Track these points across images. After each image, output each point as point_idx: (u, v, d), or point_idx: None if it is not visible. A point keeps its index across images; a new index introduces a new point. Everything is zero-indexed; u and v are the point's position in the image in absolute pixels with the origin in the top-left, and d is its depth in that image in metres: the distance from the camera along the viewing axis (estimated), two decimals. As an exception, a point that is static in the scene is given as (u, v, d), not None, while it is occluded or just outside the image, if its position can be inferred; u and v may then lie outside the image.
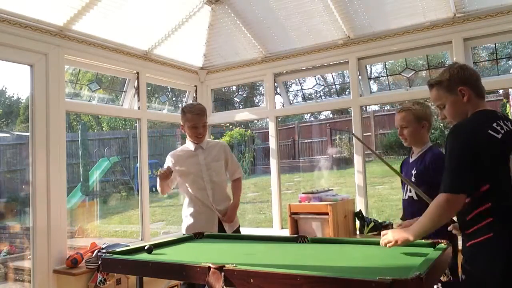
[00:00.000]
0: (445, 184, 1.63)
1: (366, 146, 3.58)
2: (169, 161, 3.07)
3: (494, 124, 1.64)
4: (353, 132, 3.85)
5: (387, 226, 3.55)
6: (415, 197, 2.37)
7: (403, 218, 2.50)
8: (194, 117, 2.96)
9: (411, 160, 2.53)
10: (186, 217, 3.07)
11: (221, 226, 3.01)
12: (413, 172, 2.41)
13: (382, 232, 1.92)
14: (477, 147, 1.60)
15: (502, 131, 1.63)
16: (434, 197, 1.98)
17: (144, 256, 2.11)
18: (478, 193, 1.62)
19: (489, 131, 1.62)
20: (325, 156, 12.61)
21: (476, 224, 1.62)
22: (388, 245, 1.83)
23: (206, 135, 3.13)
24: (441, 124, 11.48)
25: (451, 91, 1.78)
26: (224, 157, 3.09)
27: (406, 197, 2.47)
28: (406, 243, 1.79)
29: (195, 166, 3.01)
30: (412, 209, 2.40)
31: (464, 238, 1.69)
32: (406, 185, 2.45)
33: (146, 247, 2.20)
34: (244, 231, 3.18)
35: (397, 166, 2.51)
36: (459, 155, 1.62)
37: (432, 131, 11.60)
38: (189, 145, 3.08)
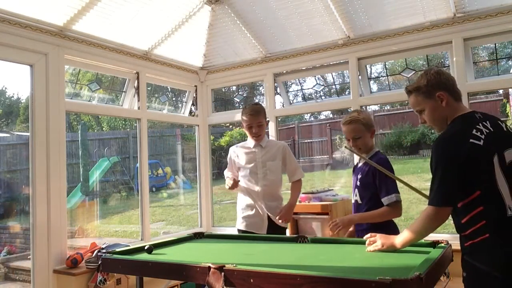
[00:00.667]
0: (432, 197, 1.69)
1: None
2: (231, 154, 3.25)
3: (474, 131, 1.67)
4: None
5: None
6: (359, 201, 2.48)
7: None
8: (249, 117, 3.07)
9: (359, 165, 2.61)
10: (239, 211, 3.18)
11: (270, 223, 3.05)
12: (359, 176, 2.49)
13: (371, 234, 2.00)
14: (462, 159, 1.63)
15: (483, 136, 1.66)
16: (376, 200, 2.35)
17: (144, 256, 2.12)
18: (469, 199, 1.65)
19: (471, 140, 1.64)
20: (326, 156, 12.62)
21: (471, 227, 1.65)
22: (375, 248, 1.92)
23: (265, 135, 3.22)
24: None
25: (430, 97, 1.81)
26: (282, 157, 3.13)
27: (353, 201, 2.56)
28: (391, 250, 1.88)
29: (251, 162, 3.11)
30: (356, 212, 2.53)
31: (462, 238, 1.71)
32: (354, 190, 2.55)
33: (146, 247, 2.20)
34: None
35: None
36: (444, 168, 1.66)
37: (432, 131, 11.62)
38: (249, 141, 3.19)
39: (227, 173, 3.28)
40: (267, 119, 3.28)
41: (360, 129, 2.49)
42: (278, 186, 3.16)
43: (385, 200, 2.35)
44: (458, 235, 1.74)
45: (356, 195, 2.51)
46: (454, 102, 1.79)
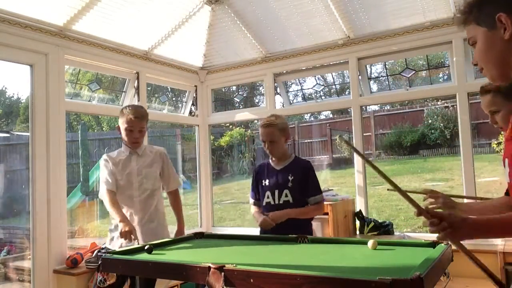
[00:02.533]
0: None
1: (364, 159, 3.57)
2: (107, 165, 2.79)
3: None
4: (353, 134, 3.85)
5: (387, 225, 3.57)
6: (291, 201, 2.58)
7: None
8: (133, 120, 2.74)
9: (278, 168, 2.68)
10: (111, 228, 2.80)
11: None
12: (290, 178, 2.60)
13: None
14: None
15: None
16: (303, 199, 2.55)
17: (144, 256, 2.11)
18: None
19: None
20: (326, 156, 12.61)
21: None
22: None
23: (143, 141, 2.91)
24: (441, 124, 11.47)
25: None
26: (160, 164, 2.88)
27: (281, 202, 2.60)
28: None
29: (126, 172, 2.79)
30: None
31: None
32: (282, 190, 2.60)
33: (146, 247, 2.20)
34: (244, 231, 3.18)
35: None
36: None
37: (432, 131, 11.60)
38: (125, 149, 2.86)
39: (103, 186, 2.76)
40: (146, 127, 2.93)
41: (276, 133, 2.62)
42: (157, 196, 2.87)
43: (313, 199, 2.58)
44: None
45: (286, 196, 2.59)
46: None
